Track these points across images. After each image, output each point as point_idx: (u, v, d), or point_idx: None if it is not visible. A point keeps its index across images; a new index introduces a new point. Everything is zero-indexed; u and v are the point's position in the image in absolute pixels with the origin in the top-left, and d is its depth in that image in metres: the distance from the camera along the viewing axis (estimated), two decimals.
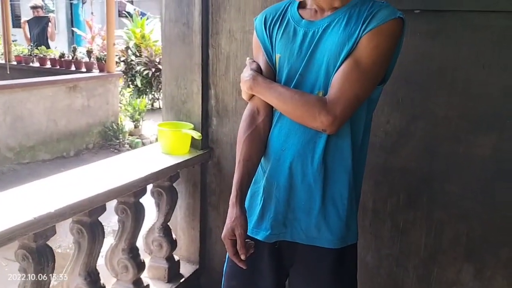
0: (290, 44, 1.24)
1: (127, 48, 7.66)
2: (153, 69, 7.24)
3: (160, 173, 1.86)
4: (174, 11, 2.03)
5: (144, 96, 7.43)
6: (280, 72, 1.27)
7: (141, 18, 8.05)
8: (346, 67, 1.15)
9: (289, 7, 1.29)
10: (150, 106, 7.59)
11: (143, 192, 1.85)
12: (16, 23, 11.26)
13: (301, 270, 1.31)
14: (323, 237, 1.24)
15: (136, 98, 6.75)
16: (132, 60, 7.46)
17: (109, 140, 5.79)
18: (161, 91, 7.63)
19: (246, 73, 1.28)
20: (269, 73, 1.28)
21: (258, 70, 1.29)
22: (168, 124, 2.10)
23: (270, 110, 1.28)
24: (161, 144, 2.07)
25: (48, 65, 6.41)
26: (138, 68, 7.30)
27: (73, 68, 6.18)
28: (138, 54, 7.54)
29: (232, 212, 1.19)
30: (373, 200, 1.84)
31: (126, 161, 1.96)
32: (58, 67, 6.30)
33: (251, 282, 1.33)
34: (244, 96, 1.32)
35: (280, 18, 1.28)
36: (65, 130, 5.30)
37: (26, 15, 9.62)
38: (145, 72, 7.24)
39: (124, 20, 8.41)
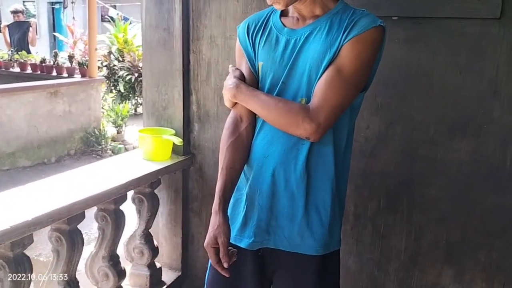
0: (273, 52, 1.24)
1: (110, 53, 7.59)
2: (136, 74, 7.19)
3: (141, 180, 1.85)
4: (155, 16, 2.02)
5: (127, 101, 7.37)
6: (263, 79, 1.27)
7: (124, 23, 8.00)
8: (329, 75, 1.15)
9: (271, 15, 1.30)
10: (133, 112, 7.53)
11: (123, 199, 1.83)
12: None
13: (285, 277, 1.30)
14: (306, 244, 1.24)
15: (119, 104, 6.70)
16: (114, 65, 7.40)
17: (91, 146, 5.72)
18: None
19: (230, 81, 1.28)
20: (252, 81, 1.29)
21: (241, 77, 1.28)
22: (149, 130, 2.09)
23: (253, 117, 1.28)
24: (142, 150, 2.05)
25: (29, 70, 6.31)
26: (121, 73, 7.24)
27: (54, 73, 6.09)
28: (121, 59, 7.48)
29: (214, 219, 1.18)
30: (354, 205, 1.85)
31: (107, 168, 1.94)
32: (39, 72, 6.20)
33: None
34: (227, 103, 1.31)
35: (263, 26, 1.29)
36: (46, 136, 5.23)
37: (7, 19, 9.47)
38: (128, 77, 7.18)
39: (106, 25, 8.35)
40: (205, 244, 1.18)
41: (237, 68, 1.32)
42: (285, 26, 1.25)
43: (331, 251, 1.27)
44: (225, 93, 1.30)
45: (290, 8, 1.24)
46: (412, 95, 1.71)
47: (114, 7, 12.37)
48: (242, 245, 1.27)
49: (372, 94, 1.72)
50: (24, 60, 6.41)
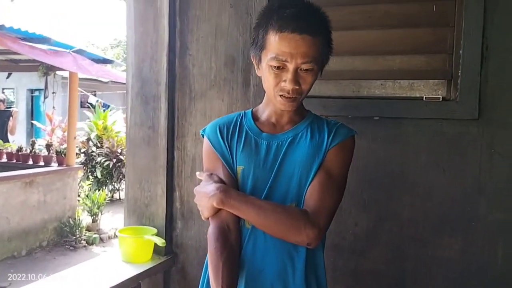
0: (254, 156, 1.22)
1: (88, 139, 7.59)
2: (114, 160, 7.15)
3: (120, 287, 1.73)
4: (140, 115, 2.03)
5: (104, 187, 7.24)
6: (243, 184, 1.22)
7: (104, 110, 8.11)
8: (321, 178, 1.17)
9: (243, 120, 1.29)
10: (110, 197, 7.36)
11: None
12: None
13: None
14: None
15: (96, 190, 6.56)
16: (93, 151, 7.37)
17: (64, 237, 5.48)
18: (121, 181, 7.50)
19: (211, 187, 1.18)
20: (233, 186, 1.22)
21: (221, 183, 1.21)
22: (129, 229, 2.00)
23: (238, 225, 1.20)
24: (122, 251, 1.95)
25: (4, 159, 6.19)
26: (98, 159, 7.19)
27: (30, 162, 5.99)
28: (100, 145, 7.48)
29: None
30: None
31: (83, 273, 1.82)
32: (14, 161, 6.09)
33: None
34: (207, 212, 1.19)
35: (237, 130, 1.27)
36: (17, 227, 4.99)
37: None
38: (106, 163, 7.12)
39: (86, 112, 8.43)
40: None
41: (212, 174, 1.25)
42: (262, 131, 1.26)
43: None
44: (204, 201, 1.19)
45: (264, 113, 1.28)
46: (398, 193, 1.71)
47: (94, 94, 12.62)
48: None
49: (358, 191, 1.73)
50: (0, 149, 6.31)
